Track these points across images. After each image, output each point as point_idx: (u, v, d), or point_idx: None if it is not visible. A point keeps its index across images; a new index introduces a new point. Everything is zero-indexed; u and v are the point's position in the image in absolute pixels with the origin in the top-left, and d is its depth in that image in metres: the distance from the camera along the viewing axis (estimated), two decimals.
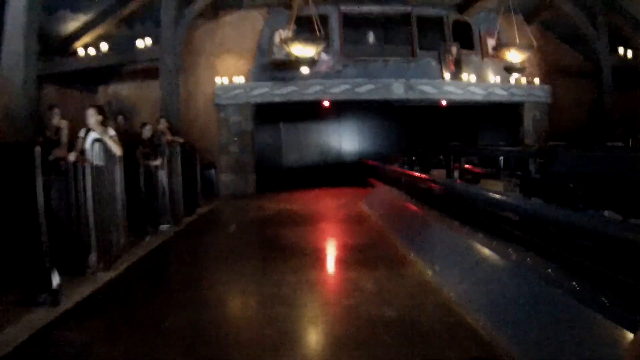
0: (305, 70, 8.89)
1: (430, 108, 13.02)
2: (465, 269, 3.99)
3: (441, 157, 9.26)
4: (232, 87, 11.80)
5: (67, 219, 5.01)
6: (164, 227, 7.33)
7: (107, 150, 5.35)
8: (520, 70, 10.83)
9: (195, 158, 9.08)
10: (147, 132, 7.65)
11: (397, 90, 11.79)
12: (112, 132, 5.47)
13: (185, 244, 6.40)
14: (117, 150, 5.35)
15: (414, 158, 8.96)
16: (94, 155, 5.24)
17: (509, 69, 10.81)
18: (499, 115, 13.77)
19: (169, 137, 7.77)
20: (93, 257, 4.98)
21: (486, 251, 3.94)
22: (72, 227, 5.02)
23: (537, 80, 13.72)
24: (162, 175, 7.41)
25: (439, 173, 7.95)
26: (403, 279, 4.31)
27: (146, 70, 11.95)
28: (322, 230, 6.74)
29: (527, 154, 5.36)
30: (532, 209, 3.70)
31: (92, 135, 5.28)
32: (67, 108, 12.51)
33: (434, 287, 4.02)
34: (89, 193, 4.91)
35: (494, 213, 4.88)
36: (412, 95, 11.93)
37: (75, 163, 4.94)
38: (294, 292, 3.97)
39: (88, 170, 4.88)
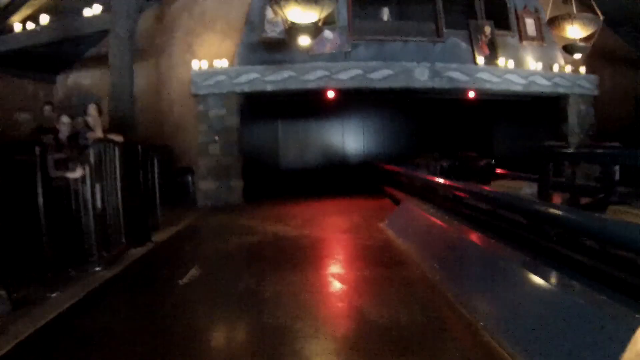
0: (304, 41, 6.14)
1: (444, 101, 10.24)
2: None
3: (492, 163, 6.54)
4: (213, 72, 9.03)
5: None
6: (96, 269, 4.61)
7: None
8: (584, 49, 8.10)
9: (152, 163, 6.32)
10: (64, 129, 4.88)
11: (421, 76, 9.02)
12: None
13: (107, 310, 3.65)
14: None
15: (457, 163, 6.24)
16: None
17: (570, 48, 8.07)
18: (526, 109, 11.02)
19: (98, 133, 4.99)
20: None
21: None
22: None
23: (582, 69, 11.02)
24: (87, 192, 4.65)
25: (498, 185, 5.22)
26: None
27: None
28: (333, 283, 3.96)
29: None
30: None
31: None
32: (16, 102, 9.83)
33: None
34: None
35: None
36: (438, 83, 9.16)
37: None
38: None
39: None
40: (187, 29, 9.93)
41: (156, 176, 6.31)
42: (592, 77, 11.00)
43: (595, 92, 11.02)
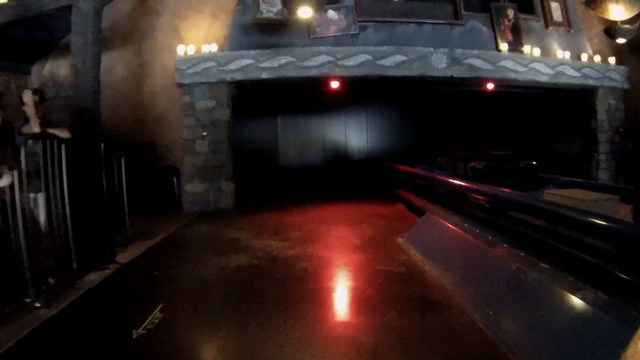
0: (305, 13, 4.92)
1: (458, 93, 8.98)
2: None
3: (534, 164, 5.32)
4: (201, 58, 7.77)
5: None
6: (36, 304, 3.42)
7: None
8: (630, 33, 6.88)
9: (120, 164, 5.08)
10: None
11: (438, 63, 7.79)
12: None
13: None
14: None
15: (492, 164, 5.02)
16: None
17: (613, 31, 6.86)
18: (546, 103, 9.79)
19: (34, 128, 3.76)
20: None
21: None
22: None
23: (611, 60, 9.81)
24: (17, 205, 3.43)
25: (552, 195, 4.01)
26: None
27: None
28: (347, 344, 2.74)
29: None
30: None
31: None
32: None
33: None
34: None
35: None
36: (458, 72, 7.93)
37: None
38: None
39: None
40: (173, 11, 8.66)
41: (124, 180, 5.06)
42: (623, 68, 9.83)
43: (626, 85, 9.84)
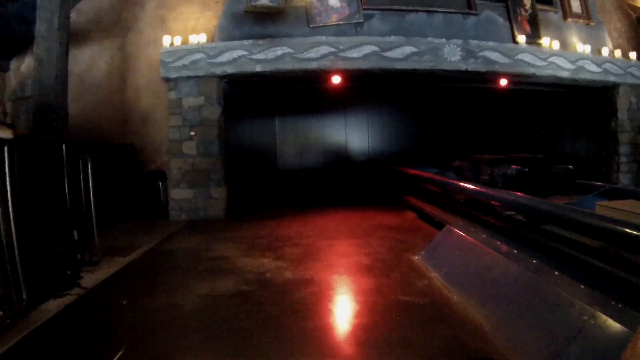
0: None
1: (466, 90, 8.26)
2: None
3: (571, 169, 4.58)
4: (188, 50, 7.00)
5: None
6: None
7: None
8: None
9: (85, 168, 4.32)
10: None
11: (451, 56, 7.03)
12: None
13: None
14: None
15: (526, 169, 4.27)
16: None
17: None
18: (558, 101, 9.08)
19: None
20: None
21: None
22: None
23: (632, 55, 9.11)
24: None
25: (605, 208, 3.28)
26: None
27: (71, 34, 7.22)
28: None
29: None
30: None
31: None
32: None
33: None
34: None
35: None
36: (472, 66, 7.17)
37: None
38: None
39: None
40: (159, 0, 7.93)
41: (91, 188, 4.31)
42: None
43: None
